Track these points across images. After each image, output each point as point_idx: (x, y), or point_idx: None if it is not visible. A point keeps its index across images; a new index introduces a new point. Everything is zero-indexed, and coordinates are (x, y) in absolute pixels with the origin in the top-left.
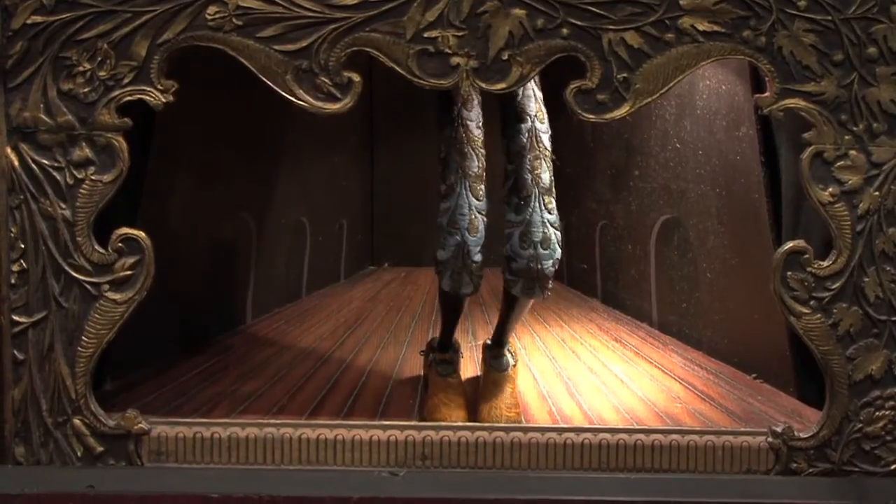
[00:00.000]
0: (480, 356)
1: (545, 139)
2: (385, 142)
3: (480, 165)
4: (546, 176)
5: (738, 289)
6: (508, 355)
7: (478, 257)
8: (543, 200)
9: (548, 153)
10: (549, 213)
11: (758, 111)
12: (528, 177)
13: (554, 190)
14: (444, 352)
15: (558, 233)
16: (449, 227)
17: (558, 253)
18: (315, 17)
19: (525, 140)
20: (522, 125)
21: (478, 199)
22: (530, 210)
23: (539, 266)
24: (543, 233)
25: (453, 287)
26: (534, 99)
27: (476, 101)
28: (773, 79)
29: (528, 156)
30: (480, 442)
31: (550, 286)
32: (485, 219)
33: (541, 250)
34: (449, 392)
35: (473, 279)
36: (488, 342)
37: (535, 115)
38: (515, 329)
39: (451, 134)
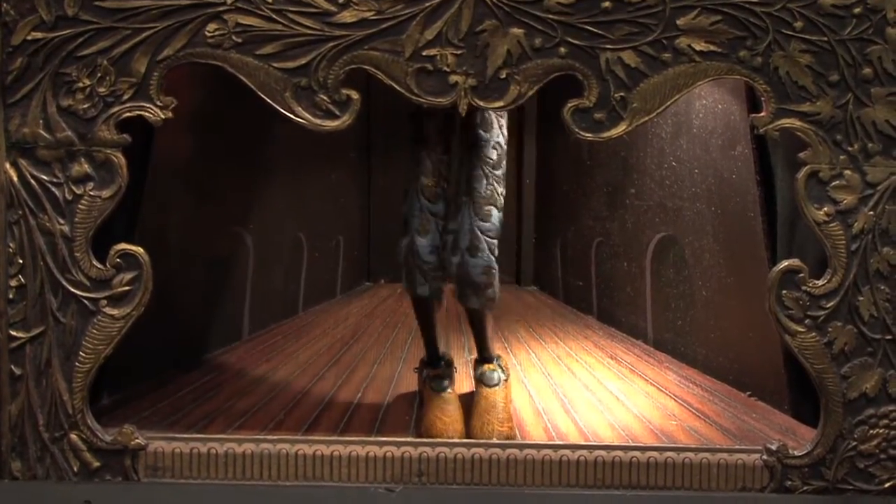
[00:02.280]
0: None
1: (487, 148)
2: (382, 158)
3: (434, 170)
4: (482, 184)
5: (734, 307)
6: (498, 370)
7: (430, 258)
8: (476, 208)
9: (489, 161)
10: (484, 220)
11: (753, 130)
12: (463, 185)
13: (497, 199)
14: (434, 366)
15: (493, 241)
16: (403, 229)
17: (490, 261)
18: (314, 35)
19: (465, 148)
20: (468, 133)
21: (430, 202)
22: (460, 217)
23: (467, 272)
24: (471, 240)
25: (408, 288)
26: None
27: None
28: (768, 98)
29: (466, 164)
30: (476, 458)
31: (492, 295)
32: (439, 221)
33: (468, 257)
34: (444, 407)
35: (428, 280)
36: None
37: (479, 123)
38: (492, 341)
39: (415, 142)
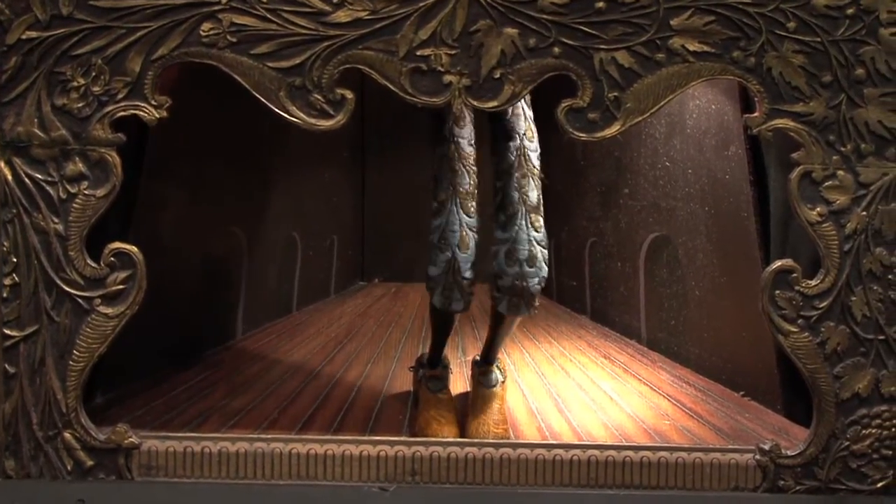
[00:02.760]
0: (469, 372)
1: (534, 157)
2: (376, 158)
3: (472, 182)
4: (534, 194)
5: (727, 307)
6: (497, 372)
7: (468, 274)
8: (530, 218)
9: (536, 171)
10: (536, 230)
11: (747, 131)
12: (516, 195)
13: (542, 208)
14: (433, 368)
15: (545, 251)
16: (440, 243)
17: (544, 271)
18: (309, 35)
19: (513, 158)
20: (511, 143)
21: (469, 216)
22: (516, 228)
23: (524, 283)
24: (529, 251)
25: (444, 303)
26: (523, 117)
27: (468, 119)
28: (762, 99)
29: (516, 174)
30: (470, 458)
31: (537, 304)
32: (476, 236)
33: (526, 268)
34: (440, 408)
35: (464, 296)
36: (477, 358)
37: (524, 134)
38: (504, 346)
39: (443, 152)
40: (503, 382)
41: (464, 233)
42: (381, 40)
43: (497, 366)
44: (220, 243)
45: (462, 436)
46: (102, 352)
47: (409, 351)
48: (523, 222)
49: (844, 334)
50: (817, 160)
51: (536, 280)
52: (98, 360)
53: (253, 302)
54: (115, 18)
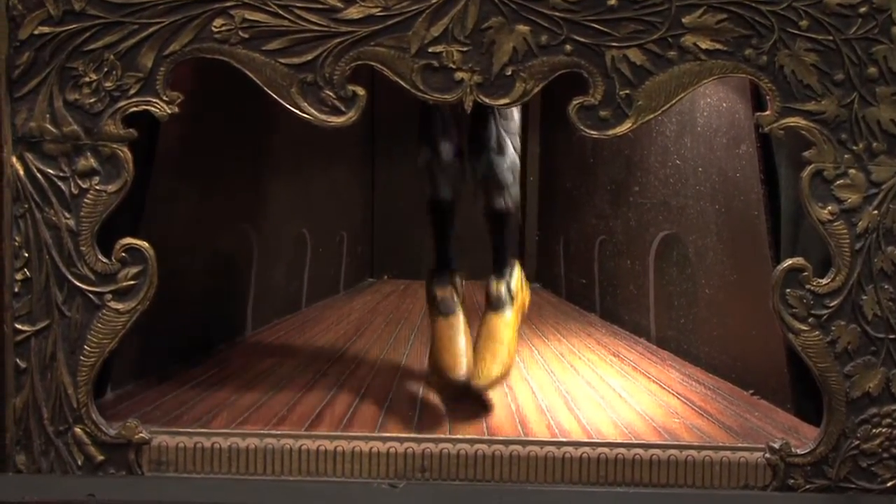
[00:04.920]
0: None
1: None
2: (386, 154)
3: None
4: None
5: (737, 305)
6: (505, 291)
7: (453, 160)
8: (499, 111)
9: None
10: (506, 119)
11: (758, 129)
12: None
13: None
14: (441, 274)
15: (516, 140)
16: (420, 143)
17: (516, 160)
18: (320, 31)
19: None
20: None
21: (448, 112)
22: (485, 122)
23: (493, 171)
24: (497, 140)
25: (432, 192)
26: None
27: None
28: (773, 97)
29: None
30: (479, 455)
31: (517, 195)
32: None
33: (494, 156)
34: (452, 337)
35: (450, 181)
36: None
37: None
38: (511, 253)
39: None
40: (513, 306)
41: (446, 123)
42: (392, 37)
43: (508, 285)
44: (229, 239)
45: (474, 370)
46: (113, 347)
47: (419, 347)
48: (492, 117)
49: (855, 333)
50: (829, 159)
51: (506, 166)
52: (109, 355)
53: (262, 298)
54: (127, 14)
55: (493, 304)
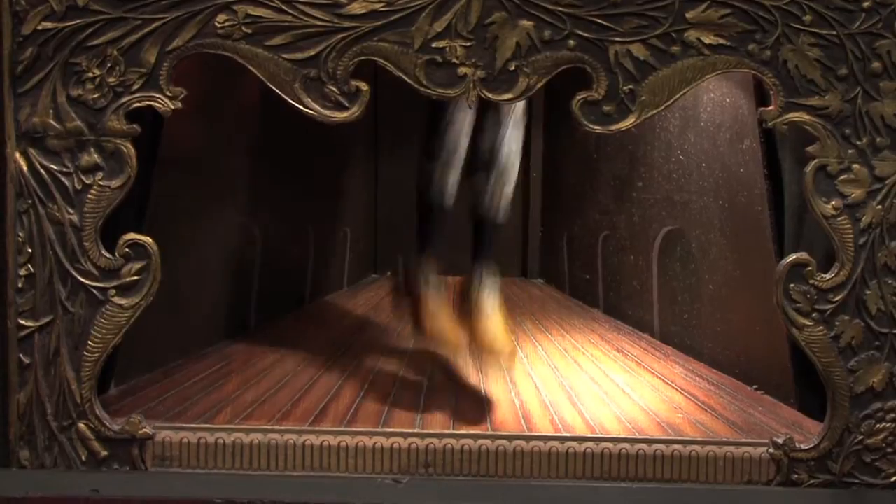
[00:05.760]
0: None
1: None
2: (389, 150)
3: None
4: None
5: (740, 300)
6: (483, 275)
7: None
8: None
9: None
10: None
11: (762, 124)
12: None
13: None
14: (425, 255)
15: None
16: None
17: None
18: (324, 27)
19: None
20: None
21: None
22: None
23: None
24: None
25: (430, 196)
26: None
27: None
28: (777, 92)
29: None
30: (483, 450)
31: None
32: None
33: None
34: (441, 305)
35: (446, 197)
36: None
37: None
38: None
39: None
40: (494, 285)
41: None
42: (396, 32)
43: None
44: (233, 235)
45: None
46: (117, 342)
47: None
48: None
49: (859, 328)
50: (833, 154)
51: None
52: (112, 350)
53: (266, 294)
54: (130, 10)
55: (475, 285)
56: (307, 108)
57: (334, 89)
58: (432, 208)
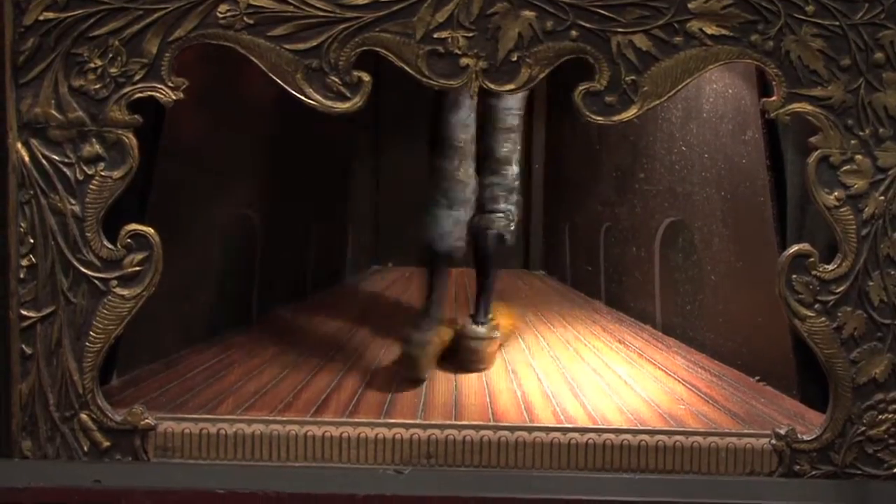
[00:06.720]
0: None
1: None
2: (391, 141)
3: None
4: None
5: (742, 292)
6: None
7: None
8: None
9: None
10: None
11: (764, 115)
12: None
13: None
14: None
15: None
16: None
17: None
18: (326, 17)
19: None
20: None
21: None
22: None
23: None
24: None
25: (435, 245)
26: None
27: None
28: (780, 83)
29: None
30: (485, 441)
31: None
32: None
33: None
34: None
35: (455, 248)
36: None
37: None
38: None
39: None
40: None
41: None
42: (398, 23)
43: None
44: (234, 226)
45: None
46: (119, 333)
47: None
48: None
49: (861, 319)
50: (835, 144)
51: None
52: (114, 341)
53: (267, 285)
54: (131, 0)
55: (471, 335)
56: (309, 98)
57: (336, 80)
58: (437, 256)
